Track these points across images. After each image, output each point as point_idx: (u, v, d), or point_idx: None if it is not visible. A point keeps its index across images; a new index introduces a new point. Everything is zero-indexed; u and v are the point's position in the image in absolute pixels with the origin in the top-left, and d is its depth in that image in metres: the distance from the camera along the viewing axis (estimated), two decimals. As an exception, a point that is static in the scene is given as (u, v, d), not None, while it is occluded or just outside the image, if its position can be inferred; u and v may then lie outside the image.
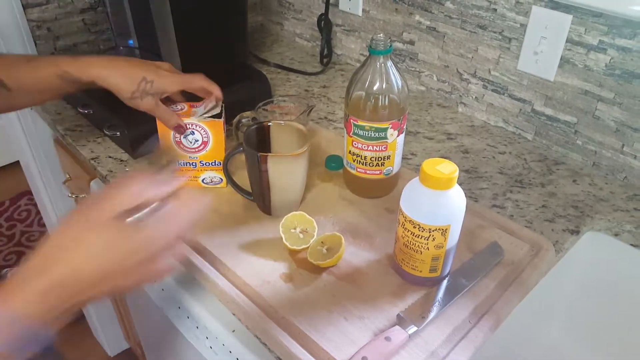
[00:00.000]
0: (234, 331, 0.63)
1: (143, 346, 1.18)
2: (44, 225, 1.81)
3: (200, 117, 0.69)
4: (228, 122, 0.77)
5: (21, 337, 0.36)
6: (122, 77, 0.66)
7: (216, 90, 0.70)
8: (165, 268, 0.42)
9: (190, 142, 0.70)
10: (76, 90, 0.69)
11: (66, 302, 0.38)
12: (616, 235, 0.71)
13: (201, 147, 0.71)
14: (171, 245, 0.43)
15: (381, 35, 0.61)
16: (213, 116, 0.70)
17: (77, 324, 1.44)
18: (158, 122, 0.70)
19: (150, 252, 0.40)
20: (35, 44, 1.03)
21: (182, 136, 0.70)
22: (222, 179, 0.74)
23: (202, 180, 0.75)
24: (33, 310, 0.37)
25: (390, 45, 0.61)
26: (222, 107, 0.71)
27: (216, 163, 0.72)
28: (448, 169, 0.51)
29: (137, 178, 0.42)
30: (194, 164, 0.73)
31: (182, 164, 0.72)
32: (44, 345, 0.38)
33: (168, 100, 0.71)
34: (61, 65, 0.65)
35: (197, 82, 0.70)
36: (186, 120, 0.69)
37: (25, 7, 0.99)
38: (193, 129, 0.69)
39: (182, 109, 0.70)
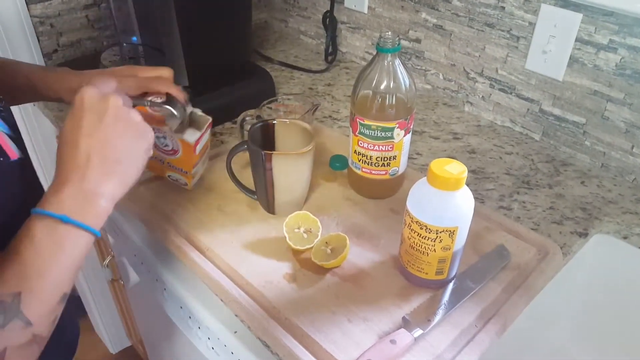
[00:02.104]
0: (236, 332, 0.62)
1: (145, 344, 1.17)
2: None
3: (173, 133, 0.63)
4: (232, 119, 0.77)
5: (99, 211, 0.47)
6: None
7: (177, 94, 0.63)
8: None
9: (162, 144, 0.66)
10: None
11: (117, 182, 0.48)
12: (625, 238, 0.70)
13: (171, 153, 0.66)
14: None
15: (389, 33, 0.60)
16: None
17: (79, 320, 1.43)
18: None
19: (93, 97, 0.49)
20: (39, 40, 1.02)
21: (154, 135, 0.60)
22: (187, 184, 0.69)
23: (168, 176, 0.70)
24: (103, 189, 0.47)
25: (399, 43, 0.60)
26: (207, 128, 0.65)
27: (183, 171, 0.67)
28: (457, 169, 0.50)
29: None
30: (161, 161, 0.68)
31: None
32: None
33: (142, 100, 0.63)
34: (32, 79, 0.65)
35: (157, 86, 0.63)
36: (159, 130, 0.63)
37: (28, 2, 0.98)
38: (165, 134, 0.64)
39: (160, 107, 0.62)
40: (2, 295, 0.40)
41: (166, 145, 0.66)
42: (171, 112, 0.61)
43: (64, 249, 0.44)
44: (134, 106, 0.55)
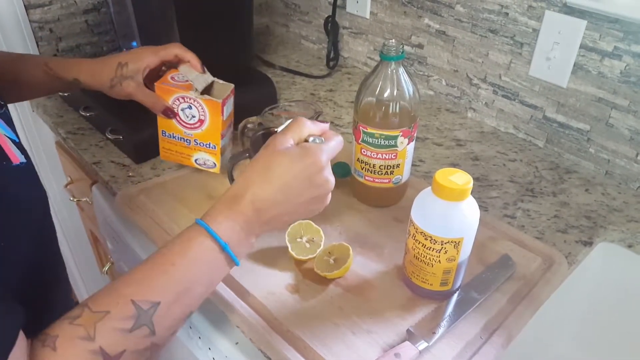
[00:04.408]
0: (237, 343, 0.61)
1: (144, 351, 1.16)
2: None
3: (198, 94, 0.67)
4: (233, 127, 0.76)
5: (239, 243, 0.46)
6: (101, 69, 0.66)
7: (192, 59, 0.68)
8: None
9: (187, 117, 0.69)
10: (64, 89, 0.71)
11: (259, 217, 0.47)
12: (630, 246, 0.69)
13: (197, 125, 0.69)
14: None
15: (393, 40, 0.60)
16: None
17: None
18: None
19: (320, 169, 0.48)
20: (38, 45, 1.02)
21: (179, 108, 0.68)
22: (215, 164, 0.72)
23: (195, 161, 0.73)
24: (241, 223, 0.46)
25: (402, 51, 0.60)
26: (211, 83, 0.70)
27: (211, 146, 0.70)
28: (462, 179, 0.49)
29: (305, 121, 0.51)
30: (187, 140, 0.71)
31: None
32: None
33: (158, 78, 0.69)
34: (48, 63, 0.67)
35: (172, 50, 0.68)
36: (185, 94, 0.67)
37: (27, 7, 0.97)
38: (190, 103, 0.67)
39: (184, 81, 0.68)
40: (142, 302, 0.41)
41: (193, 117, 0.69)
42: (194, 72, 0.68)
43: (211, 272, 0.46)
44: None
